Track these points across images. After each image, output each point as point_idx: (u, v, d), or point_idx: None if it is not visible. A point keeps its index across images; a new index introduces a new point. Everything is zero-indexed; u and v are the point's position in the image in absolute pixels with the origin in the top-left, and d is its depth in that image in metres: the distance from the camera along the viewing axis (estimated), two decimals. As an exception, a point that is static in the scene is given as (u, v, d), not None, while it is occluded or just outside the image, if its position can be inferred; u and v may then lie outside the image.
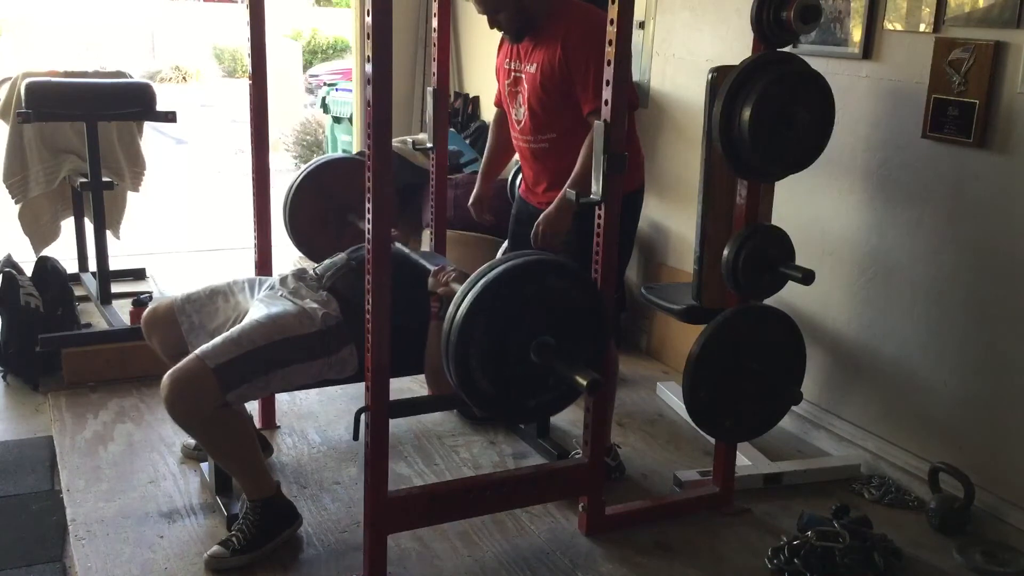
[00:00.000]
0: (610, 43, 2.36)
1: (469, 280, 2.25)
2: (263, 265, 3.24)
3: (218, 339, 2.48)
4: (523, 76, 2.91)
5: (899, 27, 3.00)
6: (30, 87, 3.86)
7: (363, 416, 2.32)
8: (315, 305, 2.61)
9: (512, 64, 2.97)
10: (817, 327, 3.35)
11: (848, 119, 3.06)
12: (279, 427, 3.34)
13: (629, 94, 2.45)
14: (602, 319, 2.37)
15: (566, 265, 2.36)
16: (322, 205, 3.40)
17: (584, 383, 2.16)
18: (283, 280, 2.78)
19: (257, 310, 2.61)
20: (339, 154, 6.06)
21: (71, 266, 4.43)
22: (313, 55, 17.89)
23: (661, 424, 3.55)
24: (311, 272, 2.82)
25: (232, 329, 2.53)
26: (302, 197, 3.40)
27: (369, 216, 2.19)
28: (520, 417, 2.41)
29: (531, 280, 2.27)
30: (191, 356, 2.45)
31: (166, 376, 2.42)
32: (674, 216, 4.00)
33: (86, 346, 3.67)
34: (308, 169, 3.47)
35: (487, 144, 3.35)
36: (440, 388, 2.68)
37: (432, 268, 2.64)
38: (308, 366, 2.55)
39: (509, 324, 2.22)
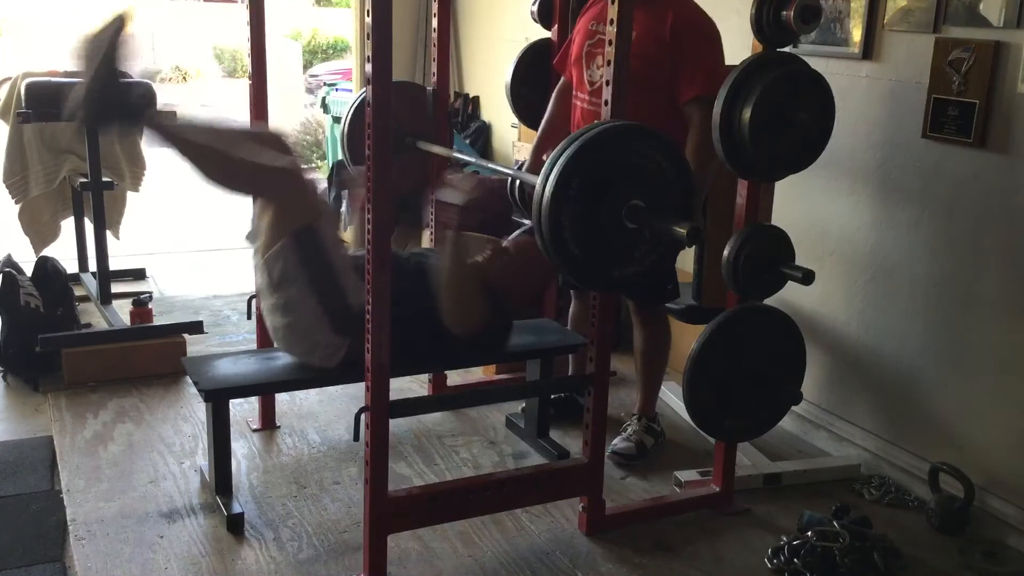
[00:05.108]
0: (610, 43, 2.36)
1: (561, 145, 2.21)
2: (263, 265, 3.23)
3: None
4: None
5: (899, 27, 2.99)
6: (30, 87, 3.86)
7: (363, 416, 2.33)
8: None
9: (598, 27, 2.96)
10: (817, 327, 3.35)
11: (848, 119, 3.06)
12: (279, 427, 3.34)
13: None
14: (690, 186, 2.30)
15: (650, 130, 2.30)
16: None
17: (684, 232, 2.13)
18: None
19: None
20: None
21: (71, 266, 4.43)
22: (313, 55, 17.88)
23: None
24: None
25: None
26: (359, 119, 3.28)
27: (370, 216, 2.19)
28: (603, 286, 2.38)
29: (619, 143, 2.22)
30: None
31: None
32: (674, 216, 3.99)
33: (86, 346, 3.67)
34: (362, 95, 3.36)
35: (546, 114, 3.28)
36: (463, 309, 2.72)
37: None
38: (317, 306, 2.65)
39: (602, 185, 2.19)
